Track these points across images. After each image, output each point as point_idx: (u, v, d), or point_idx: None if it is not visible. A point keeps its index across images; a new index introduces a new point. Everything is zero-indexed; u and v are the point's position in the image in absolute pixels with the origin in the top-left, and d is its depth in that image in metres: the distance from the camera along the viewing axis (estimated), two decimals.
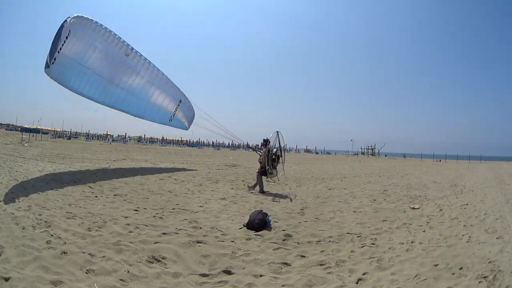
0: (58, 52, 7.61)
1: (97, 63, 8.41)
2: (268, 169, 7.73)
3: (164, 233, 3.87)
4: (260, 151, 8.41)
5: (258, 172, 7.92)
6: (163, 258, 3.14)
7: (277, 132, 7.95)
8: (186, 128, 11.31)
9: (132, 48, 9.12)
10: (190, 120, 11.31)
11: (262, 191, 7.60)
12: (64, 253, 3.02)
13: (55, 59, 7.62)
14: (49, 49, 7.67)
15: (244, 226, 4.40)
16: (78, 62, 8.08)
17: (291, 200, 6.81)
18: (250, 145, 9.04)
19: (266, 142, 7.96)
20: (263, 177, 7.88)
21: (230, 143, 63.69)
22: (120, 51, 8.82)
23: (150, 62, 9.57)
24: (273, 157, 7.83)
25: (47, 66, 7.73)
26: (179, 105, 10.43)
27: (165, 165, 13.84)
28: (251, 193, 7.50)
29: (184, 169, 12.38)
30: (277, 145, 8.00)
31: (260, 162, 8.02)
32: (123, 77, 8.95)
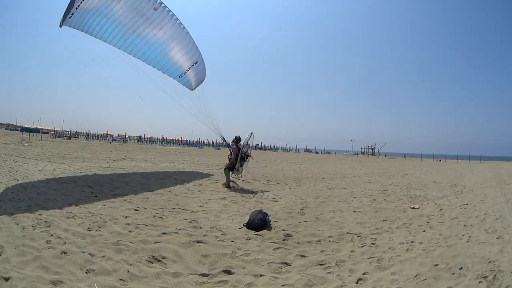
0: (77, 8, 7.65)
1: (121, 11, 8.44)
2: (237, 166, 8.24)
3: (164, 233, 3.87)
4: (231, 148, 8.83)
5: (226, 168, 8.39)
6: (163, 258, 3.14)
7: (251, 133, 8.59)
8: (192, 89, 11.33)
9: (161, 3, 9.15)
10: (198, 83, 11.37)
11: (228, 186, 8.06)
12: (64, 253, 3.02)
13: (72, 14, 7.64)
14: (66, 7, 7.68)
15: (244, 225, 4.41)
16: (100, 10, 8.11)
17: (291, 200, 6.81)
18: (226, 141, 9.33)
19: (237, 140, 8.51)
20: (230, 173, 8.39)
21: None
22: (148, 3, 8.85)
23: (178, 19, 9.60)
24: (243, 155, 8.38)
25: (65, 19, 7.70)
26: (193, 65, 10.46)
27: (165, 165, 13.85)
28: (224, 186, 8.10)
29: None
30: (248, 145, 8.67)
31: (230, 159, 8.50)
32: (146, 29, 9.01)
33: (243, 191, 7.79)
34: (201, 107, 10.11)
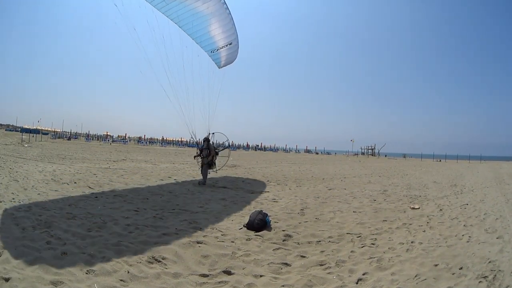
0: None
1: None
2: (215, 162, 9.26)
3: (164, 234, 3.87)
4: (201, 147, 9.51)
5: (205, 164, 8.97)
6: (163, 258, 3.14)
7: (213, 133, 9.82)
8: (220, 66, 11.42)
9: None
10: (227, 63, 11.48)
11: (204, 183, 8.60)
12: (64, 253, 3.03)
13: None
14: None
15: (244, 226, 4.41)
16: None
17: (291, 200, 6.81)
18: (198, 142, 9.86)
19: (208, 139, 9.40)
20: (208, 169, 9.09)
21: (230, 144, 63.77)
22: None
23: None
24: (216, 151, 9.55)
25: None
26: (227, 45, 10.56)
27: (165, 166, 13.85)
28: (201, 184, 8.50)
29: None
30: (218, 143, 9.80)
31: (204, 157, 9.12)
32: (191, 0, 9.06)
33: (243, 191, 7.79)
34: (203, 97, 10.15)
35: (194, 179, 9.72)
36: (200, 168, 9.25)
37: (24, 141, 25.05)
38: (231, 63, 11.49)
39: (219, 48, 10.43)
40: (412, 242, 3.98)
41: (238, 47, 11.09)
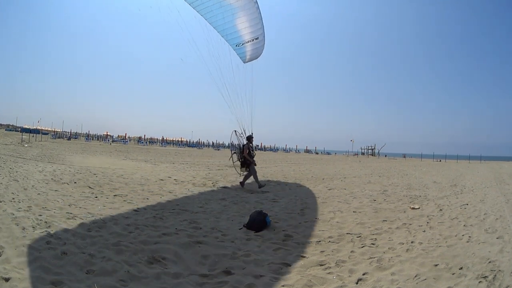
0: None
1: None
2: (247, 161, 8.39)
3: (164, 234, 3.87)
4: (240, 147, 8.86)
5: (253, 164, 8.32)
6: (163, 258, 3.14)
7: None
8: (245, 61, 11.29)
9: None
10: (253, 58, 11.27)
11: (262, 185, 8.13)
12: (64, 253, 3.03)
13: None
14: None
15: (244, 226, 4.41)
16: None
17: (291, 200, 6.81)
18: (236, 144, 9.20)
19: (250, 138, 8.61)
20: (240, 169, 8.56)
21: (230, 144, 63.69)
22: None
23: None
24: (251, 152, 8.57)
25: None
26: (253, 40, 10.38)
27: (165, 165, 13.85)
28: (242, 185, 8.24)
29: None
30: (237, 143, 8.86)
31: (243, 157, 8.42)
32: None
33: (243, 191, 7.79)
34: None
35: (194, 179, 9.71)
36: (242, 173, 8.56)
37: (24, 141, 25.04)
38: (256, 58, 11.16)
39: (244, 42, 10.16)
40: (412, 242, 3.98)
41: (264, 43, 10.84)
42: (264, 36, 10.66)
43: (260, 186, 8.11)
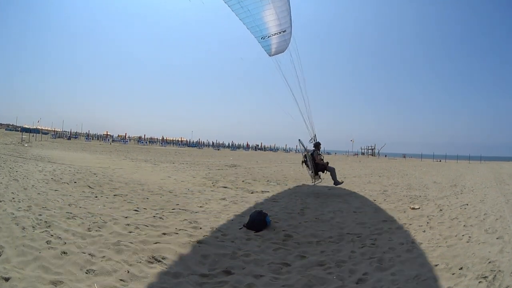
0: None
1: None
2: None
3: (164, 233, 3.87)
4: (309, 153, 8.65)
5: (327, 165, 8.26)
6: (163, 258, 3.14)
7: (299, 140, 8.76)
8: (270, 54, 11.14)
9: None
10: (278, 51, 11.03)
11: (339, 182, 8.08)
12: (64, 253, 3.03)
13: None
14: None
15: (244, 226, 4.41)
16: None
17: (291, 200, 6.81)
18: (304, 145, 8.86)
19: (319, 145, 8.54)
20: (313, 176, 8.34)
21: (230, 143, 63.85)
22: None
23: None
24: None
25: None
26: (280, 33, 10.21)
27: (165, 165, 13.84)
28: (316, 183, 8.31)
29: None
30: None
31: (317, 163, 8.27)
32: None
33: (243, 191, 7.79)
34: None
35: (194, 178, 9.71)
36: (315, 181, 8.40)
37: (24, 140, 25.04)
38: (282, 51, 10.92)
39: (270, 35, 10.02)
40: (412, 242, 3.98)
41: (290, 36, 10.64)
42: (291, 30, 10.36)
43: (337, 184, 8.05)
